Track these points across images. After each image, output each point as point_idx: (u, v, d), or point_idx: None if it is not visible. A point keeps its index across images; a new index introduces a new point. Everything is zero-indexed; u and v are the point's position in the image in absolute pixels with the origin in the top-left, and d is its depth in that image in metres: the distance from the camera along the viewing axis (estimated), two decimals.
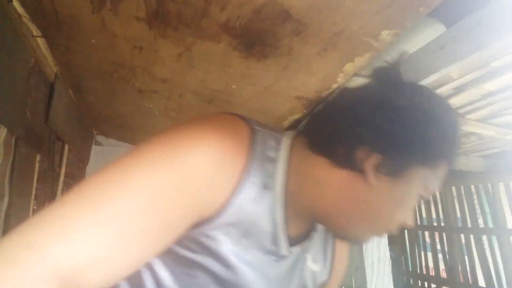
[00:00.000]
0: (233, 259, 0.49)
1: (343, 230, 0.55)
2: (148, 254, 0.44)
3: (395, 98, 0.49)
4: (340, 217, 0.52)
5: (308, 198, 0.53)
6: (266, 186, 0.50)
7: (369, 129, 0.48)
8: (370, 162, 0.49)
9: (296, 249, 0.57)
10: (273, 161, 0.51)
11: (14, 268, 0.35)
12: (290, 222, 0.54)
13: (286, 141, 0.54)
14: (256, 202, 0.49)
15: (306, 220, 0.58)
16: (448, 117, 0.51)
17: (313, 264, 0.64)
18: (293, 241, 0.56)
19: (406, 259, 4.14)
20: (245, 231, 0.49)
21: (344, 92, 0.63)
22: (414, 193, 0.53)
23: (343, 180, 0.51)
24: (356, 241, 0.58)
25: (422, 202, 3.94)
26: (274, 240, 0.53)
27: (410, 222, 0.55)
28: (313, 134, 0.56)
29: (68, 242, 0.37)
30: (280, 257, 0.55)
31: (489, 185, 3.11)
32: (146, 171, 0.42)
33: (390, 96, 0.50)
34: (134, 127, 3.05)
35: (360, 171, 0.49)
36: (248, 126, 0.52)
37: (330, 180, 0.51)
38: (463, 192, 3.39)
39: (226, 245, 0.48)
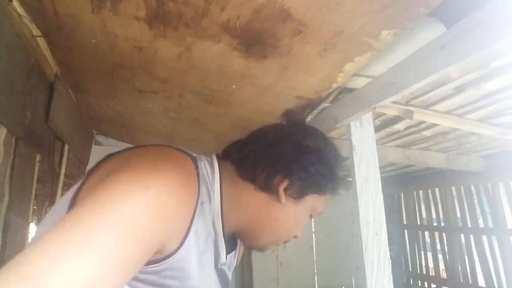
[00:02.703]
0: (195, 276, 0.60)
1: (255, 242, 0.74)
2: (125, 281, 0.47)
3: (304, 140, 0.71)
4: (256, 232, 0.71)
5: (235, 219, 0.68)
6: (207, 205, 0.62)
7: (285, 163, 0.68)
8: (282, 186, 0.67)
9: (229, 256, 0.73)
10: (211, 183, 0.64)
11: None
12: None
13: (216, 165, 0.68)
14: (203, 220, 0.61)
15: (229, 235, 0.73)
16: (337, 157, 0.75)
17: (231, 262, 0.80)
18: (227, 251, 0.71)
19: (406, 259, 4.14)
20: (201, 250, 0.61)
21: (265, 128, 0.79)
22: (307, 213, 0.74)
23: (263, 202, 0.69)
24: (261, 250, 0.76)
25: (422, 202, 3.95)
26: (216, 249, 0.67)
27: (300, 234, 0.75)
28: (241, 163, 0.71)
29: (62, 274, 0.39)
30: (221, 264, 0.69)
31: (489, 185, 3.11)
32: (125, 204, 0.47)
33: (301, 139, 0.71)
34: (134, 127, 3.05)
35: (275, 193, 0.68)
36: (189, 157, 0.61)
37: (253, 203, 0.69)
38: (463, 192, 3.39)
39: (191, 263, 0.59)
